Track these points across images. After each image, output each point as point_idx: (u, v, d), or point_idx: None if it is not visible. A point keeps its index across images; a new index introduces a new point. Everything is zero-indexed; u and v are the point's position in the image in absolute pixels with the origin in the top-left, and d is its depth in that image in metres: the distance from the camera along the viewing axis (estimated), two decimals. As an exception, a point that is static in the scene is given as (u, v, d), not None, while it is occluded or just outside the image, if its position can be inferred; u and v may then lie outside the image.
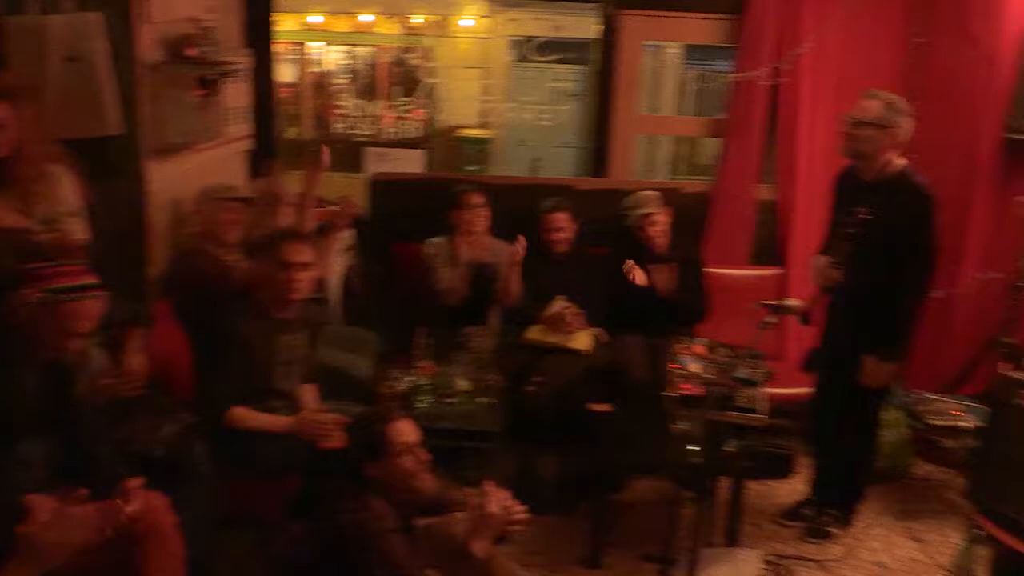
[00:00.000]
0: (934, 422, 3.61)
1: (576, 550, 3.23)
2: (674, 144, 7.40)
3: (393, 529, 2.20)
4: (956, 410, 3.63)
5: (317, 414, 2.88)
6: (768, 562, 3.26)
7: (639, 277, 3.73)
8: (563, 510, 3.43)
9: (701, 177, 4.84)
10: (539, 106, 5.34)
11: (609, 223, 4.00)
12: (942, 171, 4.00)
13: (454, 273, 3.85)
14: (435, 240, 3.94)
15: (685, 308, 3.76)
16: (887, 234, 3.02)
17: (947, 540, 3.44)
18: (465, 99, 7.88)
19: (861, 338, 3.13)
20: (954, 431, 3.65)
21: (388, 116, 7.75)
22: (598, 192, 4.23)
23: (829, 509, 3.50)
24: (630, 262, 3.77)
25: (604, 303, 3.83)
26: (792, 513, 3.56)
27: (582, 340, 3.68)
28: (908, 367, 4.22)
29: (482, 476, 3.51)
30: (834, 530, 3.47)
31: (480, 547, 2.20)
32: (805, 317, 2.69)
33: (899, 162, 3.11)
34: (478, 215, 3.89)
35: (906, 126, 3.07)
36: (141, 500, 1.97)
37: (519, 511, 2.28)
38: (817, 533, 3.46)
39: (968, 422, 3.50)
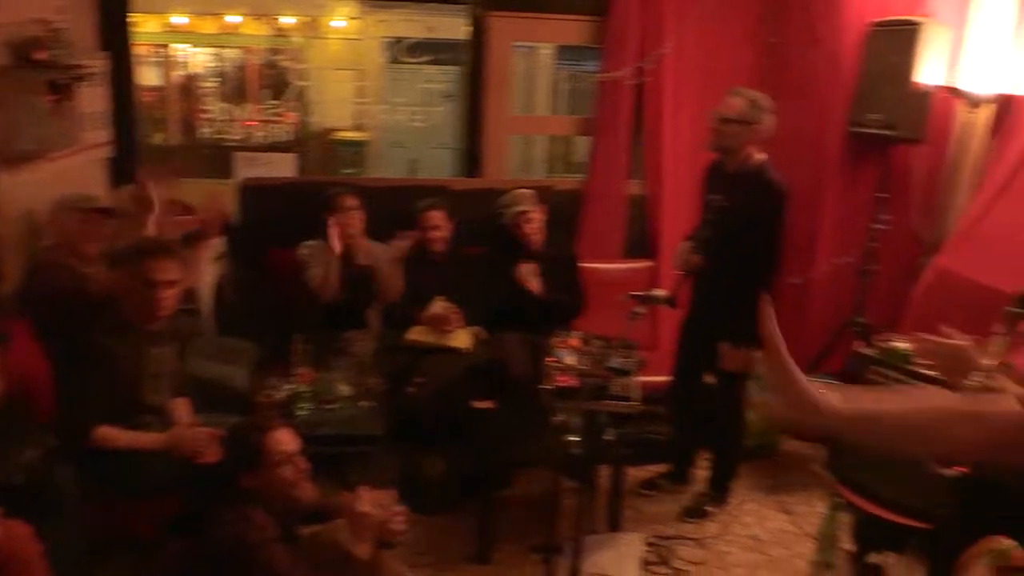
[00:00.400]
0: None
1: (464, 547, 3.25)
2: (549, 143, 7.54)
3: (274, 539, 2.16)
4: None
5: (191, 429, 2.78)
6: (650, 544, 3.38)
7: (533, 285, 3.78)
8: (450, 509, 3.45)
9: (576, 175, 4.95)
10: (412, 107, 5.34)
11: (485, 223, 4.04)
12: (796, 163, 4.25)
13: (329, 275, 3.79)
14: (310, 243, 3.88)
15: (561, 304, 3.83)
16: (739, 222, 3.20)
17: (814, 510, 3.65)
18: (338, 101, 7.78)
19: (718, 324, 3.32)
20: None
21: (258, 119, 7.56)
22: (473, 192, 4.26)
23: (707, 491, 3.69)
24: (526, 268, 3.81)
25: (482, 302, 3.87)
26: (649, 483, 3.75)
27: (462, 339, 3.70)
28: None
29: (366, 481, 3.52)
30: (711, 509, 3.64)
31: (362, 549, 2.19)
32: (671, 301, 2.81)
33: (759, 156, 3.30)
34: (352, 217, 3.85)
35: (768, 122, 3.26)
36: (1, 530, 1.87)
37: (399, 512, 2.28)
38: (695, 513, 3.62)
39: (828, 398, 3.71)
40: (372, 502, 2.26)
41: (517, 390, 3.41)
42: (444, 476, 3.55)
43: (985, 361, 2.07)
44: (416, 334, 3.71)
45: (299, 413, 3.27)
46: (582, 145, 5.77)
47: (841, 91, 4.21)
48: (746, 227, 3.22)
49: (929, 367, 2.85)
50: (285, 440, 2.28)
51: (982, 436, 1.34)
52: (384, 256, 3.85)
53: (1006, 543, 1.37)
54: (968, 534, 1.44)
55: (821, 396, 1.28)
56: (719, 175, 3.39)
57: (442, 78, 6.91)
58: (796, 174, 4.16)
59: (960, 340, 2.15)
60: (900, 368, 2.97)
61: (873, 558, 3.30)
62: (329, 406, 3.34)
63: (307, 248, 3.86)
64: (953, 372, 2.17)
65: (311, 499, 2.34)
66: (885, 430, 1.41)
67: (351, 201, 3.85)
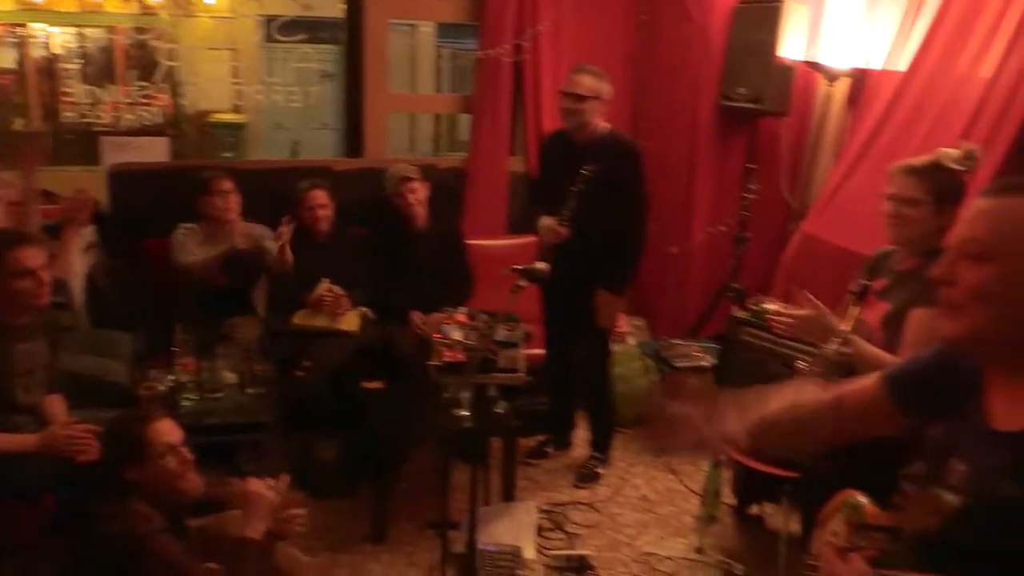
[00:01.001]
0: (680, 364, 3.98)
1: (361, 528, 3.26)
2: (434, 122, 7.51)
3: (161, 529, 2.11)
4: (697, 351, 4.02)
5: (67, 426, 2.67)
6: (544, 511, 3.48)
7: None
8: (345, 492, 3.45)
9: (461, 153, 4.96)
10: (290, 88, 5.22)
11: (369, 202, 4.01)
12: (670, 137, 4.41)
13: (207, 260, 3.68)
14: (185, 226, 3.75)
15: (450, 283, 3.86)
16: (608, 187, 3.36)
17: (699, 468, 3.82)
18: (213, 82, 7.47)
19: (588, 285, 3.49)
20: (697, 370, 4.05)
21: (126, 102, 7.21)
22: (356, 172, 4.22)
23: (593, 452, 3.85)
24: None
25: (369, 282, 3.85)
26: (535, 452, 3.87)
27: (349, 321, 3.68)
28: (655, 317, 4.63)
29: (258, 468, 3.47)
30: (600, 471, 3.78)
31: (255, 530, 2.16)
32: (542, 278, 2.89)
33: (605, 124, 3.50)
34: (228, 201, 3.73)
35: (609, 91, 3.46)
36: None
37: (297, 511, 2.27)
38: (587, 477, 3.75)
39: (707, 361, 3.90)
40: (265, 487, 2.23)
41: (406, 369, 3.42)
42: (337, 460, 3.53)
43: (841, 327, 2.25)
44: (302, 318, 3.67)
45: (184, 404, 3.19)
46: (466, 123, 5.79)
47: (711, 67, 4.36)
48: (614, 190, 3.40)
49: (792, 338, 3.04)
50: (167, 431, 2.23)
51: (845, 424, 1.42)
52: (266, 238, 3.76)
53: (860, 498, 1.41)
54: (835, 483, 1.53)
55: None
56: (567, 149, 3.51)
57: (320, 57, 6.76)
58: (671, 147, 4.32)
59: (812, 310, 2.33)
60: (770, 329, 3.14)
61: (753, 509, 3.50)
62: (215, 395, 3.27)
63: (183, 232, 3.73)
64: (816, 338, 2.35)
65: (198, 490, 2.30)
66: (777, 436, 1.51)
67: (226, 184, 3.73)
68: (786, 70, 4.09)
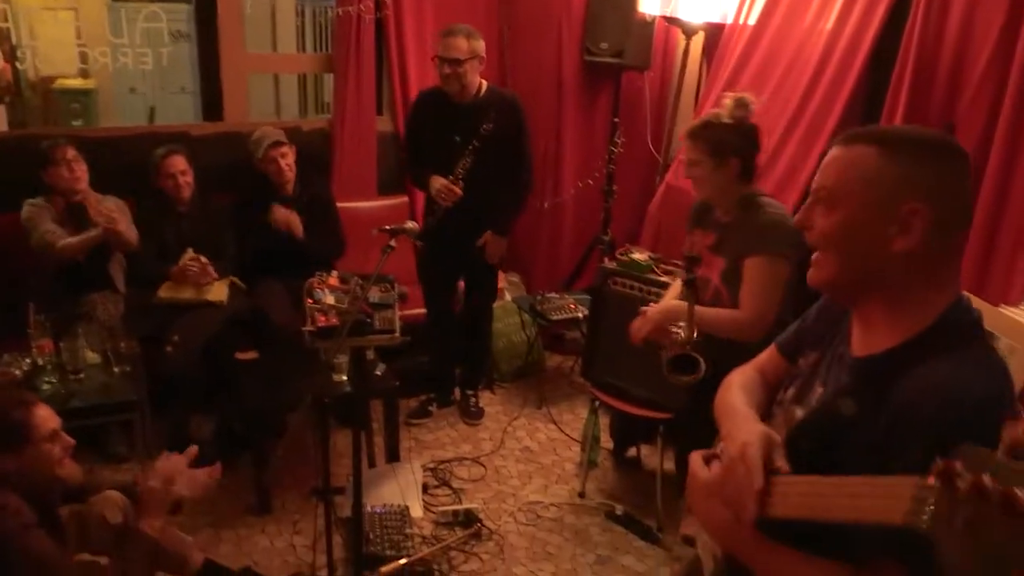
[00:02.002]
0: (555, 317, 4.06)
1: (244, 501, 3.21)
2: (300, 83, 7.27)
3: (32, 524, 2.01)
4: (572, 304, 4.11)
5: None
6: (429, 469, 3.51)
7: (294, 227, 3.72)
8: (227, 464, 3.36)
9: (328, 115, 4.82)
10: (140, 49, 4.91)
11: (231, 168, 3.87)
12: (537, 93, 4.43)
13: (84, 241, 3.44)
14: (32, 201, 3.49)
15: (321, 247, 3.78)
16: (499, 143, 3.45)
17: (577, 417, 3.95)
18: (55, 44, 6.97)
19: (476, 233, 3.61)
20: (572, 322, 4.15)
21: (-45, 68, 6.63)
22: (215, 137, 4.05)
23: (469, 393, 4.01)
24: (281, 211, 3.70)
25: (237, 250, 3.73)
26: (418, 411, 3.92)
27: (218, 291, 3.56)
28: (530, 273, 4.70)
29: (131, 450, 3.35)
30: (483, 406, 3.98)
31: (150, 525, 2.09)
32: (419, 235, 2.91)
33: (482, 81, 3.53)
34: (74, 171, 3.46)
35: (483, 48, 3.48)
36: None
37: (204, 473, 2.22)
38: (475, 414, 3.90)
39: (581, 312, 3.99)
40: (164, 473, 2.16)
41: (280, 337, 3.36)
42: (214, 434, 3.45)
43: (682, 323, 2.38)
44: (167, 290, 3.52)
45: (44, 388, 3.03)
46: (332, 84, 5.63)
47: (573, 22, 4.41)
48: (505, 146, 3.49)
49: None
50: (48, 415, 2.12)
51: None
52: (118, 209, 3.56)
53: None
54: (703, 421, 1.58)
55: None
56: (446, 108, 3.52)
57: (170, 16, 6.40)
58: (538, 103, 4.35)
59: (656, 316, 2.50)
60: (638, 277, 3.24)
61: (631, 452, 3.65)
62: (77, 376, 3.12)
63: (32, 208, 3.49)
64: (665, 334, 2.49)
65: (76, 478, 2.20)
66: None
67: (69, 152, 3.46)
68: (646, 25, 4.18)
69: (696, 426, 1.82)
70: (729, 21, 3.95)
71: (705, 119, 2.44)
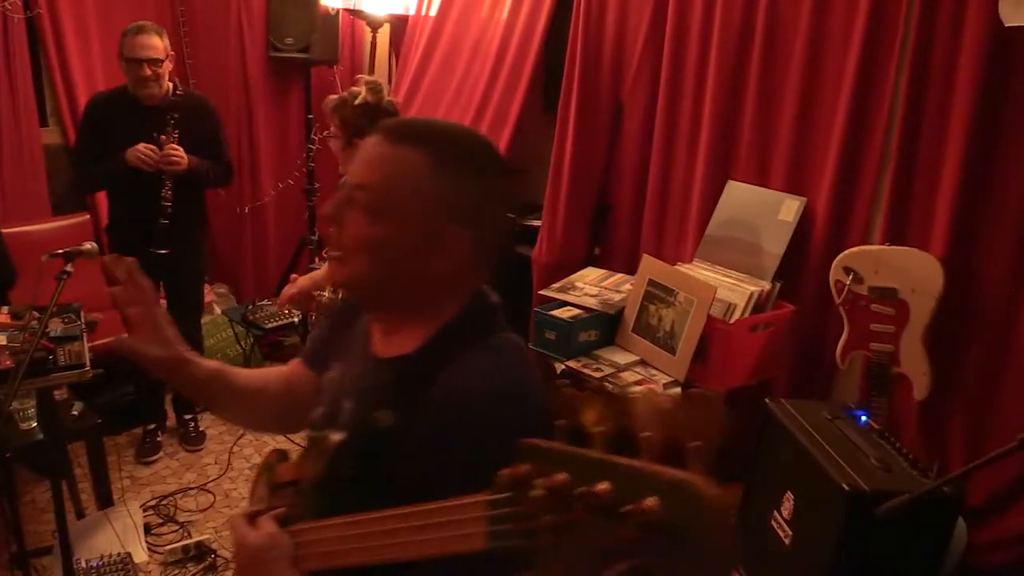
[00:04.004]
0: (270, 325, 3.92)
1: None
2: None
3: None
4: (287, 309, 3.98)
5: None
6: (151, 507, 3.24)
7: None
8: None
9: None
10: None
11: None
12: (224, 94, 4.22)
13: None
14: None
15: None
16: (195, 145, 3.27)
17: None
18: None
19: (165, 242, 3.33)
20: (290, 327, 4.03)
21: None
22: None
23: (187, 418, 3.75)
24: None
25: None
26: (148, 448, 3.63)
27: None
28: (238, 282, 4.50)
29: None
30: (203, 429, 3.74)
31: None
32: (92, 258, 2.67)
33: (169, 82, 3.32)
34: None
35: (171, 47, 3.28)
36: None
37: None
38: (196, 439, 3.68)
39: (296, 316, 3.89)
40: None
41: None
42: None
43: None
44: None
45: None
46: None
47: (255, 17, 4.25)
48: (202, 147, 3.32)
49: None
50: None
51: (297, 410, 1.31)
52: None
53: (278, 458, 1.28)
54: None
55: None
56: (132, 111, 3.27)
57: None
58: (226, 104, 4.15)
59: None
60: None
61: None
62: None
63: None
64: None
65: None
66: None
67: None
68: (330, 19, 4.13)
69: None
70: (412, 12, 4.01)
71: (342, 96, 2.52)
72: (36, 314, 2.54)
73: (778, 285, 2.65)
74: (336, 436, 1.08)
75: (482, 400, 0.97)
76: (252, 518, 1.09)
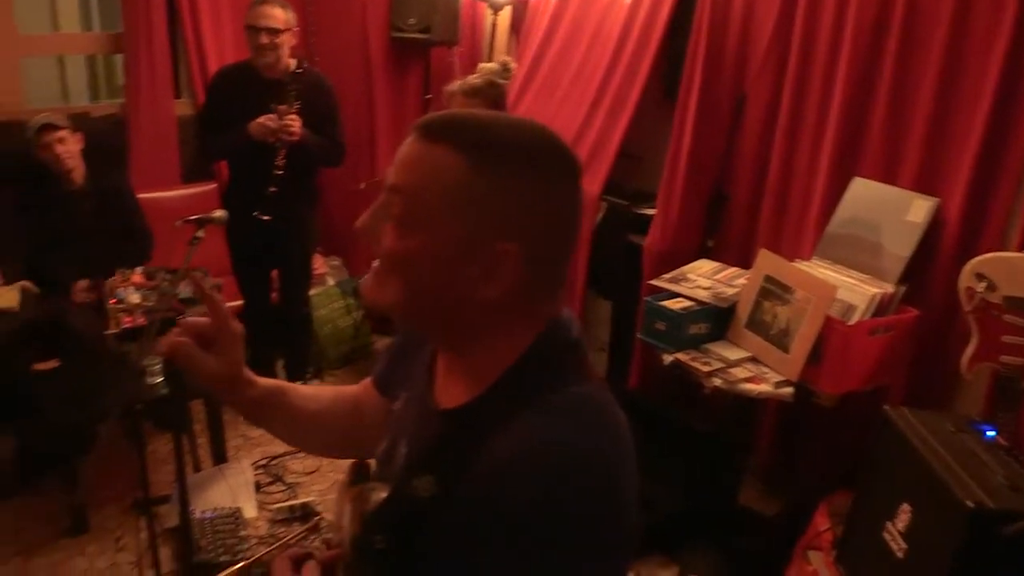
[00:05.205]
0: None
1: (58, 522, 2.97)
2: (87, 66, 6.68)
3: None
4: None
5: None
6: (261, 466, 3.39)
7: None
8: (32, 486, 3.11)
9: (120, 100, 4.45)
10: None
11: (8, 159, 3.49)
12: (346, 73, 4.32)
13: None
14: None
15: (123, 243, 3.51)
16: (311, 122, 3.35)
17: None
18: None
19: (283, 218, 3.44)
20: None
21: None
22: (-13, 128, 3.64)
23: (296, 382, 3.82)
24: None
25: (22, 251, 3.40)
26: None
27: (7, 297, 3.23)
28: (350, 255, 4.62)
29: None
30: None
31: None
32: (222, 225, 2.78)
33: (292, 59, 3.40)
34: None
35: (295, 23, 3.37)
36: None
37: None
38: None
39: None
40: None
41: (81, 342, 3.10)
42: (14, 454, 3.15)
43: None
44: (-58, 300, 3.17)
45: None
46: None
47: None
48: (320, 122, 3.40)
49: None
50: None
51: (363, 432, 1.23)
52: None
53: (354, 473, 1.06)
54: None
55: None
56: (254, 84, 3.38)
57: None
58: (347, 83, 4.25)
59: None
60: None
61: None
62: None
63: None
64: None
65: None
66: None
67: None
68: (452, 0, 4.16)
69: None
70: (533, -4, 4.01)
71: (489, 78, 2.52)
72: (167, 276, 2.69)
73: (902, 289, 2.55)
74: (379, 493, 0.93)
75: (528, 484, 0.79)
76: (299, 562, 0.99)
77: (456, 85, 2.59)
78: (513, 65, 2.51)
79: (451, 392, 0.94)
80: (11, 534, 2.90)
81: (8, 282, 3.28)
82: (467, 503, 0.82)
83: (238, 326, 1.08)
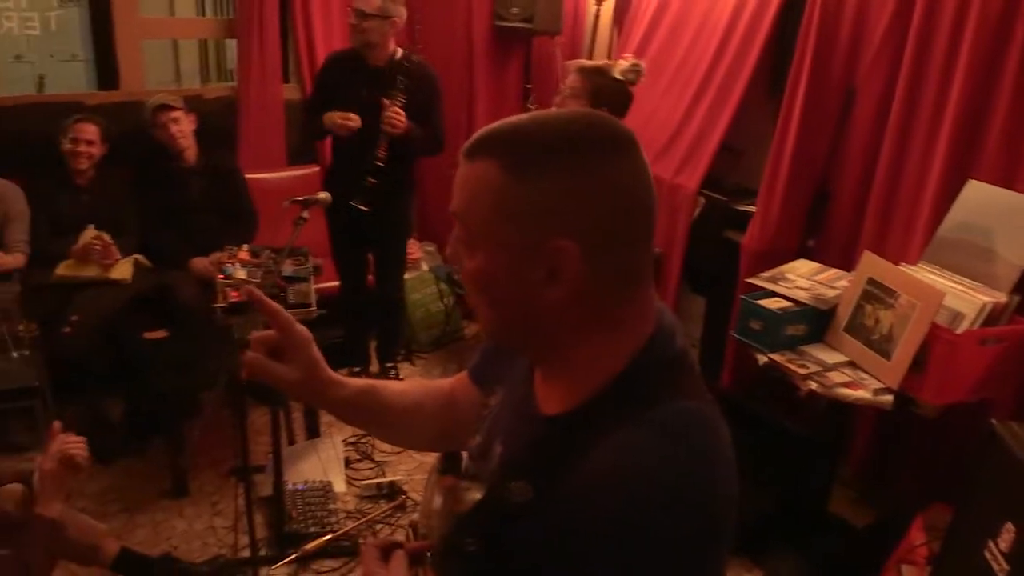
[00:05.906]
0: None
1: (159, 485, 3.12)
2: (199, 49, 6.96)
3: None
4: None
5: None
6: (351, 443, 3.47)
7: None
8: (137, 450, 3.27)
9: (231, 83, 4.63)
10: (25, 13, 4.58)
11: (129, 139, 3.68)
12: (449, 60, 4.37)
13: None
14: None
15: (231, 221, 3.66)
16: (411, 110, 3.39)
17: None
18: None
19: (380, 204, 3.48)
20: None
21: None
22: (111, 106, 3.84)
23: (388, 365, 3.96)
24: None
25: (139, 226, 3.57)
26: None
27: (121, 269, 3.41)
28: (446, 242, 4.67)
29: (32, 438, 3.20)
30: (403, 377, 3.95)
31: (51, 508, 2.00)
32: (326, 207, 2.85)
33: (399, 48, 3.46)
34: None
35: (402, 14, 3.42)
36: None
37: (76, 450, 2.11)
38: None
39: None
40: (58, 454, 2.06)
41: (189, 314, 3.24)
42: (124, 417, 3.33)
43: None
44: (65, 269, 3.35)
45: (-67, 377, 2.86)
46: (235, 50, 5.41)
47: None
48: (418, 115, 3.42)
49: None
50: None
51: (458, 426, 1.21)
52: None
53: (443, 462, 1.12)
54: None
55: None
56: (358, 70, 3.44)
57: (56, -22, 6.04)
58: (449, 69, 4.30)
59: None
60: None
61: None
62: (-29, 363, 2.96)
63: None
64: None
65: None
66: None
67: None
68: (555, -10, 4.16)
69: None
70: (638, -13, 3.97)
71: (601, 65, 2.50)
72: (272, 254, 2.78)
73: (1015, 299, 2.42)
74: (474, 494, 0.94)
75: (624, 501, 0.78)
76: (388, 551, 0.99)
77: (577, 61, 2.63)
78: (643, 67, 2.49)
79: (550, 398, 0.94)
80: (117, 492, 3.06)
81: (124, 255, 3.45)
82: (560, 514, 0.81)
83: (304, 331, 1.08)
